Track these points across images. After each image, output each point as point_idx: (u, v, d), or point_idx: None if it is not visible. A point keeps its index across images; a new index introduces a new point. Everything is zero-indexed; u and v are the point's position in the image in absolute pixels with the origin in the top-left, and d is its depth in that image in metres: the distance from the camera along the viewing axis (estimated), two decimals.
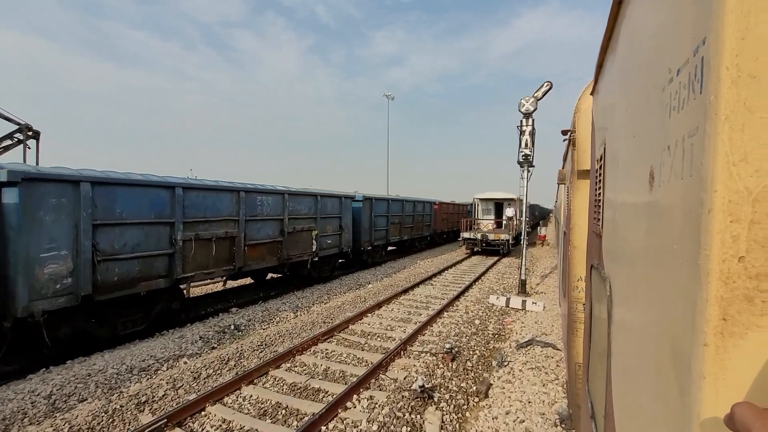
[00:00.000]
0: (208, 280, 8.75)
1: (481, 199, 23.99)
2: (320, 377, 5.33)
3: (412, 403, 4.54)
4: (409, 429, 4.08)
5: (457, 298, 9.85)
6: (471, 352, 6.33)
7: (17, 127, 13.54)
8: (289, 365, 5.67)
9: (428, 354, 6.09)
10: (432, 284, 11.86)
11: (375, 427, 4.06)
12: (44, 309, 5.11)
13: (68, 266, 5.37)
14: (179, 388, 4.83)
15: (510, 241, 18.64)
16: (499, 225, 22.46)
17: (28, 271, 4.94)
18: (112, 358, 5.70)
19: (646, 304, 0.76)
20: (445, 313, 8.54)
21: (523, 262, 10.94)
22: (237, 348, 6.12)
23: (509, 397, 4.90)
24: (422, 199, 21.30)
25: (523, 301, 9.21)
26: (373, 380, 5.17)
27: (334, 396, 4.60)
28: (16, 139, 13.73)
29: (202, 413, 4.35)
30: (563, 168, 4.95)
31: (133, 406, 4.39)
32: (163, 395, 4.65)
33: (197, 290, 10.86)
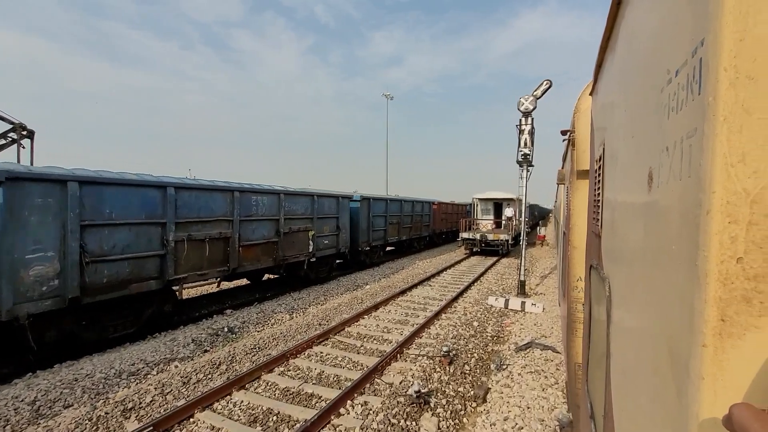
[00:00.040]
0: (202, 282, 8.62)
1: (480, 199, 23.86)
2: (314, 382, 5.20)
3: (408, 409, 4.40)
4: None
5: (455, 299, 9.72)
6: (469, 355, 6.19)
7: (11, 126, 13.38)
8: (282, 369, 5.54)
9: (425, 357, 5.96)
10: (430, 285, 11.72)
11: None
12: (30, 312, 4.97)
13: (55, 268, 5.22)
14: (168, 393, 4.69)
15: (509, 242, 18.52)
16: (498, 225, 22.33)
17: (13, 273, 4.80)
18: (101, 362, 5.56)
19: (645, 304, 0.76)
20: (443, 315, 8.40)
21: (523, 263, 10.81)
22: (229, 351, 5.98)
23: (508, 402, 4.77)
24: (421, 199, 21.17)
25: (523, 303, 9.08)
26: (368, 385, 5.04)
27: (328, 402, 4.47)
28: (9, 139, 13.56)
29: (191, 420, 4.21)
30: (562, 168, 4.95)
31: (119, 412, 4.25)
32: (151, 401, 4.51)
33: (193, 291, 10.72)
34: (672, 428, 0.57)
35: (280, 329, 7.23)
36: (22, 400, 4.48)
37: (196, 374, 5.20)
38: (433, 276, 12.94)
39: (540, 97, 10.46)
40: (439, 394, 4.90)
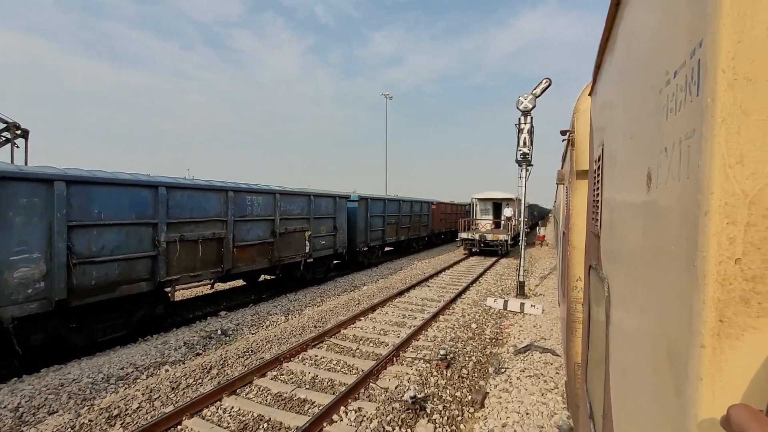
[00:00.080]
0: (195, 283, 8.48)
1: (479, 199, 23.73)
2: (307, 386, 5.06)
3: (403, 416, 4.27)
4: None
5: (453, 300, 9.58)
6: (467, 358, 6.06)
7: (5, 125, 13.22)
8: (275, 373, 5.40)
9: (422, 361, 5.82)
10: (428, 286, 11.59)
11: None
12: (14, 315, 4.83)
13: (41, 270, 5.08)
14: (155, 399, 4.55)
15: (508, 242, 18.39)
16: (497, 225, 22.21)
17: None
18: (89, 366, 5.42)
19: (644, 305, 0.76)
20: (441, 317, 8.27)
21: (522, 264, 10.68)
22: (221, 355, 5.84)
23: (506, 407, 4.63)
24: (419, 198, 21.03)
25: (522, 304, 8.94)
26: (362, 390, 4.90)
27: (321, 408, 4.33)
28: (3, 138, 13.41)
29: (178, 428, 4.07)
30: (562, 168, 4.98)
31: (104, 420, 4.11)
32: (138, 408, 4.37)
33: (187, 292, 10.58)
34: (671, 429, 0.57)
35: (275, 331, 7.10)
36: (4, 407, 4.34)
37: (186, 379, 5.06)
38: (431, 277, 12.80)
39: (539, 96, 10.33)
40: (435, 399, 4.76)
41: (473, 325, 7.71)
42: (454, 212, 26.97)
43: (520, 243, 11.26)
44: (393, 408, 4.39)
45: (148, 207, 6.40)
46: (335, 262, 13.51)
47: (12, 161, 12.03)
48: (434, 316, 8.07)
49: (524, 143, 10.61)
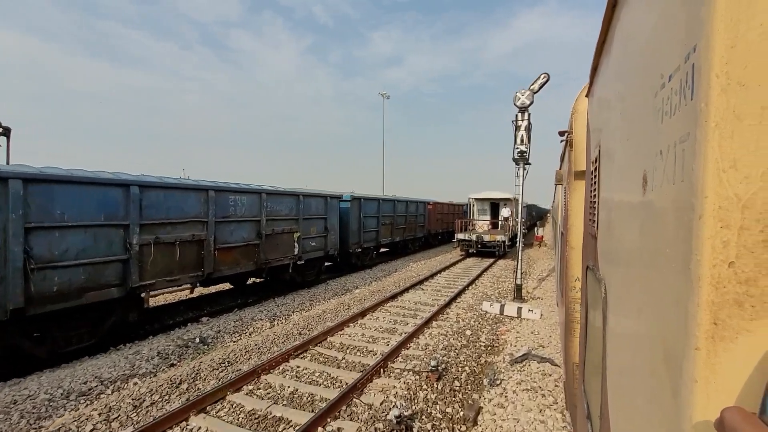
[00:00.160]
0: (174, 288, 8.05)
1: (476, 199, 23.36)
2: (285, 402, 4.64)
3: None
4: None
5: (448, 304, 9.18)
6: (460, 369, 5.66)
7: None
8: (251, 387, 4.97)
9: (411, 372, 5.41)
10: (423, 289, 11.18)
11: None
12: None
13: None
14: (114, 420, 4.12)
15: (506, 243, 18.00)
16: (495, 226, 21.84)
17: None
18: (50, 381, 4.99)
19: (640, 306, 0.77)
20: (434, 323, 7.86)
21: (519, 266, 10.28)
22: (194, 367, 5.41)
23: (501, 426, 4.23)
24: (415, 198, 20.63)
25: (519, 308, 8.55)
26: (344, 407, 4.49)
27: (297, 428, 3.92)
28: None
29: None
30: (560, 169, 4.97)
31: None
32: (92, 430, 3.94)
33: (170, 297, 10.13)
34: (667, 430, 0.57)
35: (257, 339, 6.67)
36: None
37: (151, 395, 4.63)
38: (426, 279, 12.40)
39: (537, 92, 9.94)
40: (424, 417, 4.36)
41: (468, 332, 7.31)
42: (451, 212, 26.58)
43: (517, 244, 10.87)
44: (376, 429, 3.99)
45: (118, 207, 5.97)
46: (327, 264, 13.09)
47: None
48: (427, 322, 7.67)
49: (521, 141, 10.21)
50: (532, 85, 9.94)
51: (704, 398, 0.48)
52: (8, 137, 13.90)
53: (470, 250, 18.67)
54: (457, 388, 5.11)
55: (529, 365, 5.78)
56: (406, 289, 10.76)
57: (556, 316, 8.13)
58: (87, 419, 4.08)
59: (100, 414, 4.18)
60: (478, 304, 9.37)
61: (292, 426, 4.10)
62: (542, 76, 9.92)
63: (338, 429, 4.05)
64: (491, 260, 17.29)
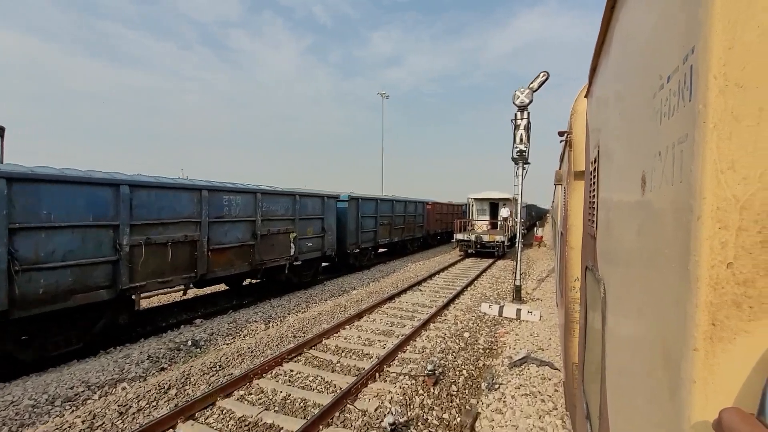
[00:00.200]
0: (167, 290, 7.91)
1: (475, 199, 23.23)
2: (276, 408, 4.50)
3: None
4: None
5: (446, 306, 9.04)
6: (457, 373, 5.53)
7: None
8: (242, 392, 4.84)
9: (407, 377, 5.27)
10: (421, 290, 11.05)
11: None
12: None
13: None
14: (97, 428, 3.98)
15: (505, 243, 17.88)
16: (494, 226, 21.72)
17: None
18: (35, 386, 4.85)
19: (639, 307, 0.77)
20: (432, 325, 7.73)
21: (518, 267, 10.14)
22: (184, 371, 5.27)
23: None
24: (414, 198, 20.49)
25: (518, 310, 8.41)
26: (337, 413, 4.35)
27: None
28: None
29: None
30: (560, 169, 4.95)
31: None
32: None
33: (164, 298, 10.00)
34: (666, 431, 0.57)
35: (250, 342, 6.53)
36: None
37: (138, 401, 4.49)
38: (424, 280, 12.26)
39: (537, 90, 9.80)
40: (419, 423, 4.22)
41: (466, 334, 7.18)
42: (450, 212, 26.44)
43: (516, 245, 10.74)
44: None
45: (108, 207, 5.83)
46: (324, 264, 12.96)
47: None
48: (424, 324, 7.54)
49: (521, 140, 10.08)
50: (532, 83, 9.81)
51: (702, 399, 0.48)
52: (2, 137, 13.77)
53: (469, 251, 18.54)
54: (455, 392, 4.98)
55: (528, 369, 5.65)
56: (404, 290, 10.62)
57: (555, 317, 8.00)
58: (70, 427, 3.94)
59: (83, 421, 4.04)
60: (477, 306, 9.24)
61: None
62: (542, 75, 9.79)
63: None
64: (490, 261, 17.16)
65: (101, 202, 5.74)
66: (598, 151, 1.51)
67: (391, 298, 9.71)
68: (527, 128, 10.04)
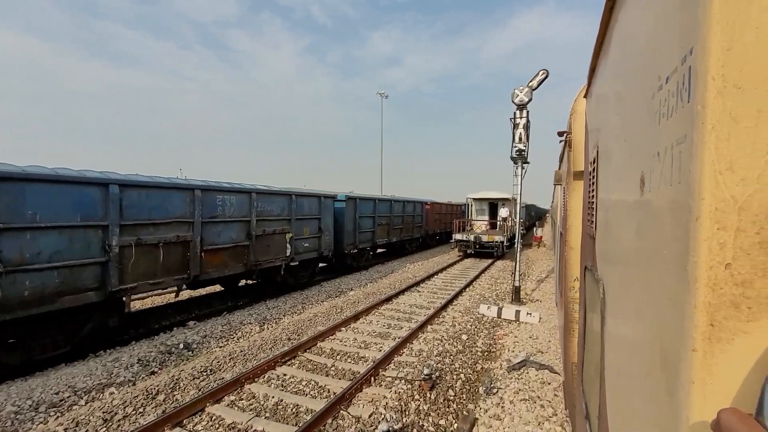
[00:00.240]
0: (159, 291, 7.76)
1: (474, 199, 23.10)
2: (268, 414, 4.37)
3: None
4: None
5: (444, 307, 8.91)
6: (455, 376, 5.39)
7: None
8: (233, 398, 4.70)
9: (403, 381, 5.14)
10: (419, 291, 10.91)
11: None
12: None
13: None
14: None
15: (504, 243, 17.75)
16: (493, 226, 21.59)
17: None
18: (19, 391, 4.70)
19: (637, 307, 0.78)
20: (429, 327, 7.59)
21: (517, 267, 10.00)
22: (173, 376, 5.13)
23: None
24: (412, 198, 20.35)
25: (517, 312, 8.28)
26: (329, 420, 4.21)
27: None
28: None
29: None
30: (559, 169, 4.94)
31: None
32: None
33: (158, 299, 9.86)
34: (664, 431, 0.57)
35: (243, 345, 6.39)
36: None
37: (125, 407, 4.35)
38: (422, 281, 12.13)
39: (536, 88, 9.67)
40: (414, 430, 4.09)
41: (464, 336, 7.04)
42: (449, 212, 26.32)
43: (515, 245, 10.60)
44: None
45: (96, 207, 5.68)
46: (322, 265, 12.82)
47: None
48: (422, 326, 7.40)
49: (520, 139, 9.94)
50: (531, 81, 9.67)
51: (701, 399, 0.49)
52: None
53: (468, 251, 18.41)
54: (452, 397, 4.85)
55: (527, 372, 5.52)
56: (402, 291, 10.49)
57: (555, 319, 7.87)
58: None
59: (66, 429, 3.90)
60: (475, 307, 9.11)
61: None
62: (541, 73, 9.66)
63: None
64: (489, 261, 17.03)
65: (89, 202, 5.59)
66: (597, 151, 1.50)
67: (388, 299, 9.57)
68: (526, 127, 9.91)
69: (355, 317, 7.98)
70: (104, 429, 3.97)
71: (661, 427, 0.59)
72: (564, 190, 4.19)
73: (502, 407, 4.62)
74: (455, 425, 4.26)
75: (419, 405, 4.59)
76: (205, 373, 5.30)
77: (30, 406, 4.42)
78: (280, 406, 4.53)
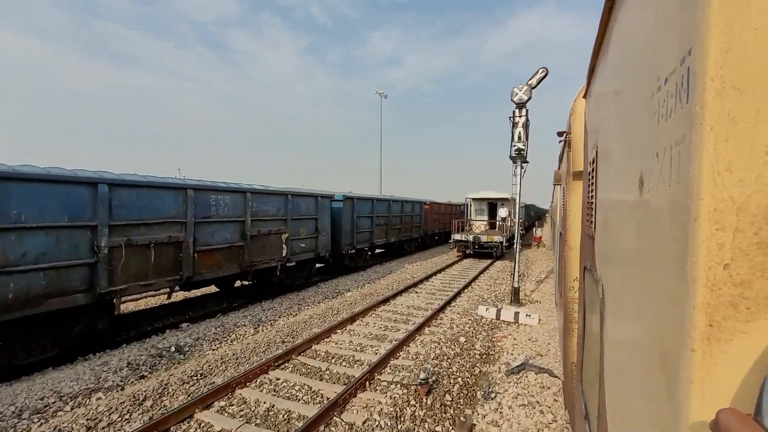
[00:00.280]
0: (151, 293, 7.62)
1: (474, 199, 22.97)
2: (258, 421, 4.23)
3: None
4: None
5: (442, 309, 8.77)
6: (452, 380, 5.26)
7: None
8: (223, 404, 4.56)
9: (398, 385, 5.00)
10: (417, 292, 10.78)
11: None
12: None
13: None
14: None
15: (504, 243, 17.63)
16: (492, 226, 21.46)
17: None
18: (3, 396, 4.56)
19: (636, 308, 0.78)
20: (427, 329, 7.46)
21: (517, 268, 9.87)
22: (162, 381, 4.99)
23: None
24: (411, 198, 20.22)
25: (516, 313, 8.15)
26: (322, 427, 4.08)
27: None
28: None
29: None
30: (559, 169, 4.94)
31: None
32: None
33: (152, 301, 9.71)
34: (663, 431, 0.57)
35: (236, 348, 6.25)
36: None
37: (110, 414, 4.21)
38: (421, 281, 12.00)
39: (535, 87, 9.54)
40: None
41: (462, 339, 6.91)
42: (448, 212, 26.19)
43: (515, 245, 10.47)
44: None
45: (85, 207, 5.54)
46: (319, 265, 12.68)
47: None
48: (419, 328, 7.26)
49: (519, 138, 9.82)
50: (530, 80, 9.55)
51: (700, 399, 0.48)
52: None
53: (467, 251, 18.28)
54: (449, 402, 4.71)
55: (526, 376, 5.39)
56: (400, 292, 10.35)
57: (554, 321, 7.75)
58: None
59: None
60: (474, 309, 8.97)
61: None
62: (540, 71, 9.53)
63: None
64: (488, 261, 16.90)
65: (78, 201, 5.45)
66: (597, 151, 1.50)
67: (386, 300, 9.44)
68: (526, 126, 9.78)
69: (352, 319, 7.85)
70: None
71: (660, 427, 0.59)
72: (563, 190, 4.17)
73: (501, 413, 4.48)
74: None
75: (415, 411, 4.45)
76: (195, 378, 5.16)
77: (13, 412, 4.28)
78: (272, 413, 4.39)
